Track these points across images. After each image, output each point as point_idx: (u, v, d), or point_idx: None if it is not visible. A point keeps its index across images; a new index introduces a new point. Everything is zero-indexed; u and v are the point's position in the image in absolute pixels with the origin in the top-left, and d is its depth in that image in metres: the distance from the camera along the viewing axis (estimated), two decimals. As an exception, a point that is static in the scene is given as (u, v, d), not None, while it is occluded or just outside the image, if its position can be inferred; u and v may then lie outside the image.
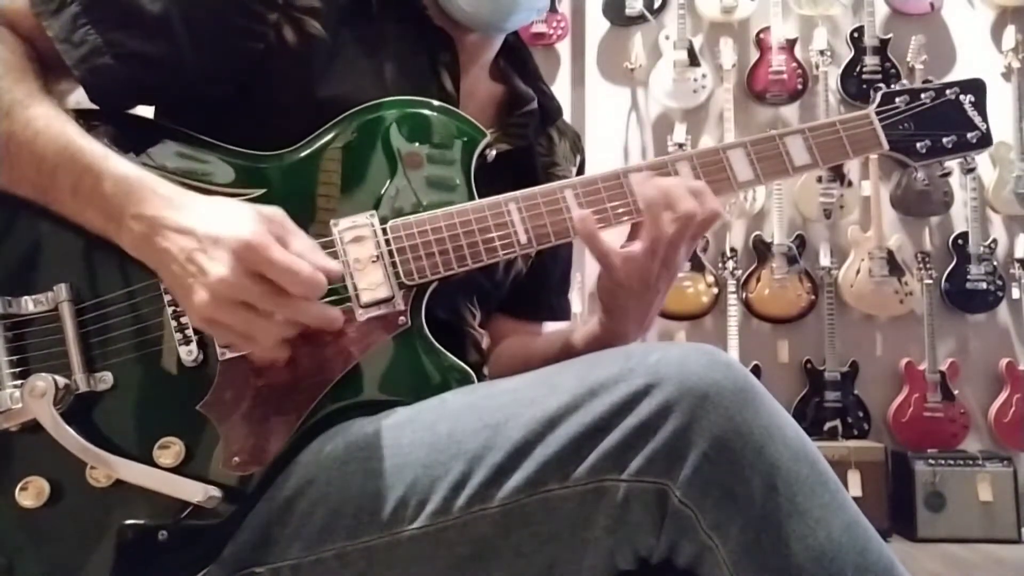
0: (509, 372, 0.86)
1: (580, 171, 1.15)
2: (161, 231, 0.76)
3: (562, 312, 1.18)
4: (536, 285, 1.13)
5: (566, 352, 1.01)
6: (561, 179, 1.07)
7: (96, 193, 0.78)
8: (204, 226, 0.75)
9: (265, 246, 0.74)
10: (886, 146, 0.96)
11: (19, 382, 0.78)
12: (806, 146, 0.93)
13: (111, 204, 0.77)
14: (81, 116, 0.84)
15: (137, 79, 0.86)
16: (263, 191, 0.85)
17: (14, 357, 0.80)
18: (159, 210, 0.77)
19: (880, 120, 0.96)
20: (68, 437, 0.75)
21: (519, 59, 1.09)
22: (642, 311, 0.93)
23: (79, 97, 0.87)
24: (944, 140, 0.97)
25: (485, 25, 1.00)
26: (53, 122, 0.80)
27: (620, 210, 0.89)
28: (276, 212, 0.78)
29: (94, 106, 0.87)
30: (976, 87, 0.98)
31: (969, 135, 0.98)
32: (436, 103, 0.91)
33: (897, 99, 0.97)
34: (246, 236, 0.74)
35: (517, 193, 0.88)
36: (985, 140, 0.98)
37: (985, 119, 0.98)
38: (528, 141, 1.05)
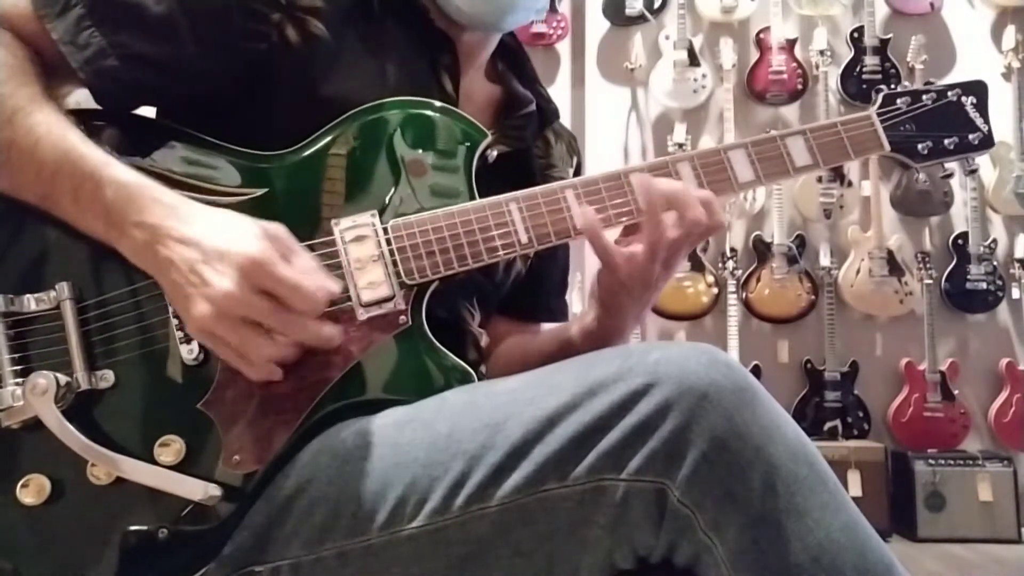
0: (508, 373, 0.85)
1: (577, 173, 1.15)
2: (163, 240, 0.76)
3: (560, 313, 1.19)
4: (535, 286, 1.13)
5: (564, 348, 1.01)
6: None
7: (96, 200, 0.78)
8: (209, 239, 0.75)
9: (271, 262, 0.74)
10: (887, 147, 0.96)
11: (21, 380, 0.78)
12: (807, 147, 0.93)
13: (112, 211, 0.77)
14: (83, 116, 0.84)
15: (142, 80, 0.86)
16: (265, 191, 0.86)
17: (16, 355, 0.80)
18: (162, 219, 0.77)
19: (881, 121, 0.96)
20: (69, 435, 0.76)
21: (517, 61, 1.10)
22: (639, 308, 0.95)
23: (79, 98, 0.87)
24: (946, 141, 0.97)
25: (482, 24, 1.00)
26: (54, 128, 0.80)
27: (621, 210, 0.89)
28: (280, 229, 0.78)
29: (96, 106, 0.87)
30: (978, 89, 0.98)
31: (971, 136, 0.98)
32: (437, 103, 0.91)
33: (898, 100, 0.97)
34: (252, 252, 0.74)
35: (518, 193, 0.88)
36: (987, 142, 0.98)
37: (987, 121, 0.98)
38: (526, 143, 1.05)
